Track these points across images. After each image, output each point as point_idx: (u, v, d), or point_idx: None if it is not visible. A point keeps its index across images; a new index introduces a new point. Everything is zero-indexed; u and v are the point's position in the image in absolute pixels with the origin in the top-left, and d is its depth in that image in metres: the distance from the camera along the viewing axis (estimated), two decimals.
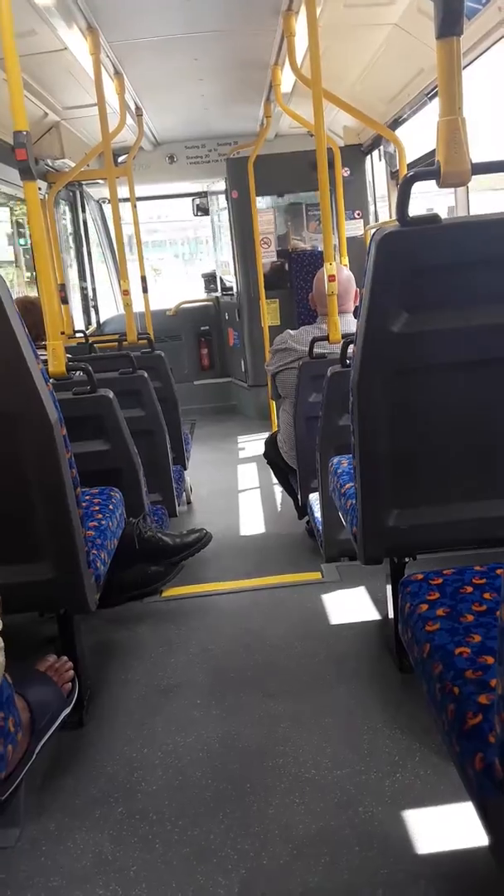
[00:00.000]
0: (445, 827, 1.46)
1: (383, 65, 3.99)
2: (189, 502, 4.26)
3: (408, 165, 4.16)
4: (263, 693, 1.98)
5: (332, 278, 2.90)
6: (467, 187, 3.63)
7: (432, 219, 1.50)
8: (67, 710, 1.70)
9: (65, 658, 1.79)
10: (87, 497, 2.19)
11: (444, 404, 1.67)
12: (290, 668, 2.10)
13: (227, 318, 6.86)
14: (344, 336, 2.77)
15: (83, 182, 6.24)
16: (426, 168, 1.46)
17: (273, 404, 5.07)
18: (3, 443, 1.54)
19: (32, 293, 5.48)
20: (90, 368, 2.40)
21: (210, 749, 1.78)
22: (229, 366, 7.01)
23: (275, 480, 3.71)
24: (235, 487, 4.56)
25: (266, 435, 3.90)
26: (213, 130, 6.18)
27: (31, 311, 3.08)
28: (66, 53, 3.56)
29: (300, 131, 5.72)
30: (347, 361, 2.41)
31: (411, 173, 1.47)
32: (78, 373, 2.58)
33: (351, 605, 2.42)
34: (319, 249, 5.96)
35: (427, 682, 1.14)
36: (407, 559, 1.93)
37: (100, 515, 2.08)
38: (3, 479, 1.58)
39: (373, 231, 5.65)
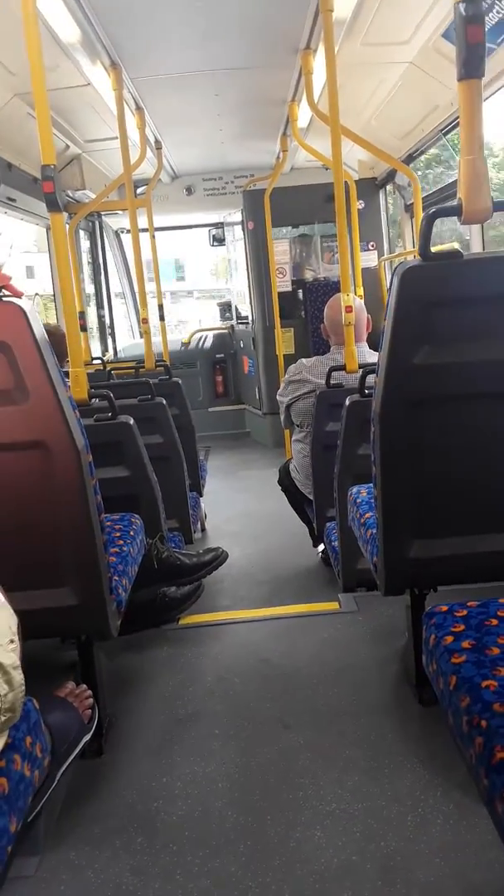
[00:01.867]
0: (470, 864, 1.44)
1: (399, 101, 4.08)
2: (203, 529, 4.27)
3: (422, 199, 4.22)
4: (282, 724, 1.97)
5: (349, 309, 2.93)
6: (482, 225, 3.67)
7: (454, 254, 1.53)
8: (87, 737, 1.70)
9: (84, 686, 1.79)
10: (109, 523, 2.20)
11: (465, 436, 1.69)
12: (308, 698, 2.09)
13: (241, 346, 6.93)
14: (360, 366, 2.80)
15: (102, 213, 6.36)
16: (448, 205, 1.49)
17: (287, 432, 5.10)
18: (32, 469, 1.56)
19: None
20: (111, 395, 2.43)
21: (230, 779, 1.76)
22: (244, 393, 7.06)
23: (289, 508, 3.72)
24: (249, 514, 4.57)
25: (280, 462, 3.92)
26: (230, 163, 6.31)
27: (54, 337, 3.13)
28: (90, 89, 3.67)
29: (315, 164, 5.82)
30: (366, 391, 2.43)
31: (433, 210, 1.50)
32: (96, 399, 2.61)
33: (369, 636, 2.41)
34: (333, 280, 6.03)
35: (453, 715, 1.14)
36: (428, 591, 1.92)
37: (121, 542, 2.09)
38: (31, 505, 1.60)
39: (386, 262, 5.72)
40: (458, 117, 3.60)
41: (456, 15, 1.35)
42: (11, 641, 1.13)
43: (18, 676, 1.12)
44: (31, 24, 2.16)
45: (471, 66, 1.37)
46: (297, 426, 3.37)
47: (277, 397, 3.48)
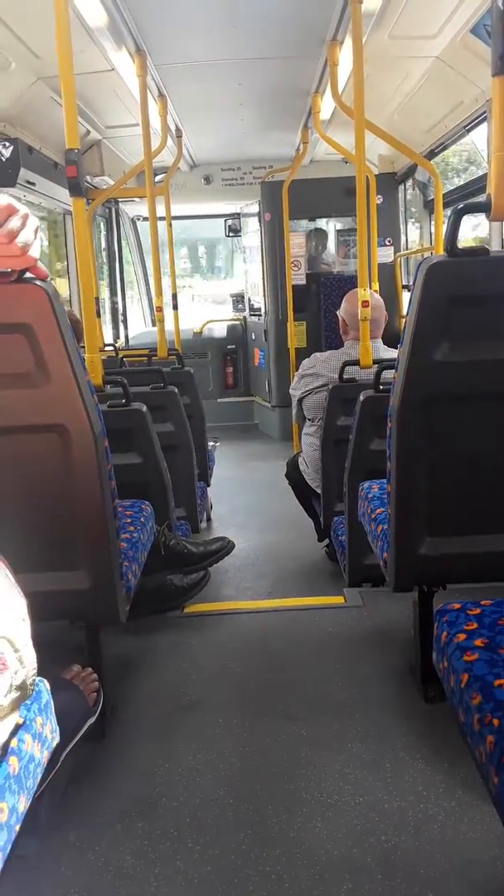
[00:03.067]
0: (471, 861, 1.44)
1: (423, 96, 4.04)
2: (209, 519, 4.27)
3: (443, 195, 4.19)
4: (285, 714, 1.98)
5: (365, 304, 2.92)
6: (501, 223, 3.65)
7: (481, 250, 1.52)
8: (92, 721, 1.70)
9: (90, 669, 1.80)
10: (120, 509, 2.20)
11: (483, 435, 1.68)
12: (311, 691, 2.09)
13: (253, 337, 6.91)
14: (376, 361, 2.79)
15: (120, 200, 6.34)
16: (477, 201, 1.48)
17: (296, 426, 5.09)
18: (51, 452, 1.56)
19: None
20: (126, 382, 2.43)
21: (231, 768, 1.77)
22: (254, 385, 7.05)
23: (295, 501, 3.71)
24: (255, 506, 4.57)
25: (288, 455, 3.91)
26: (250, 154, 6.28)
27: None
28: (113, 74, 3.65)
29: (335, 157, 5.79)
30: (381, 387, 2.42)
31: (462, 205, 1.49)
32: (109, 385, 2.61)
33: (374, 632, 2.41)
34: (347, 275, 6.00)
35: (464, 713, 1.14)
36: (437, 588, 1.92)
37: (132, 528, 2.10)
38: (48, 488, 1.60)
39: (402, 258, 5.69)
40: (483, 114, 3.55)
41: (493, 9, 1.33)
42: (23, 620, 1.13)
43: (31, 654, 1.12)
44: (61, 8, 2.15)
45: None
46: (310, 420, 3.36)
47: (290, 391, 3.47)
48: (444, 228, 2.23)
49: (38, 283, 1.42)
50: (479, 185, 4.14)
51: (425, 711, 1.93)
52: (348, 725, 1.91)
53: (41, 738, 1.14)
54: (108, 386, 2.65)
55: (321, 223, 6.36)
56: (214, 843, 1.54)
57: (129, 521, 2.14)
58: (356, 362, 2.90)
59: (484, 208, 1.44)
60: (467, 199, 4.24)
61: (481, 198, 1.48)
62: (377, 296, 3.26)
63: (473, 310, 1.56)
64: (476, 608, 1.32)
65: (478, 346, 1.59)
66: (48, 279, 1.44)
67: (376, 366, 2.54)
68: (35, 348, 1.46)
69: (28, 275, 1.40)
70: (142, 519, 2.18)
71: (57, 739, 1.24)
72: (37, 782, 1.14)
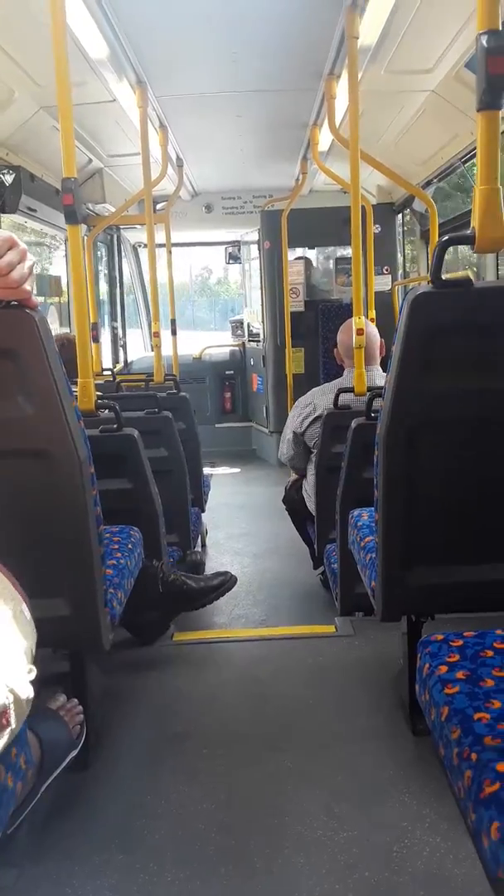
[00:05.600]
0: None
1: (419, 128, 4.11)
2: (204, 545, 4.26)
3: (438, 226, 4.24)
4: (271, 746, 1.95)
5: (360, 332, 2.94)
6: (496, 254, 3.69)
7: (465, 281, 1.53)
8: (74, 753, 1.68)
9: (75, 700, 1.77)
10: (108, 535, 2.20)
11: (469, 464, 1.68)
12: (299, 722, 2.06)
13: (251, 363, 6.95)
14: (369, 389, 2.80)
15: (121, 226, 6.42)
16: (461, 233, 1.50)
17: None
18: (34, 477, 1.56)
19: None
20: (118, 407, 2.43)
21: (215, 802, 1.74)
22: (252, 411, 7.08)
23: (292, 528, 3.70)
24: (251, 532, 4.56)
25: (285, 481, 3.91)
26: (250, 184, 6.37)
27: (67, 347, 3.15)
28: (115, 105, 3.72)
29: (334, 188, 5.88)
30: (373, 414, 2.43)
31: (446, 237, 1.51)
32: (104, 410, 2.61)
33: (364, 662, 2.38)
34: (346, 301, 6.05)
35: (444, 746, 1.12)
36: (425, 618, 1.90)
37: (119, 554, 2.09)
38: (30, 514, 1.59)
39: (399, 287, 5.75)
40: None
41: (478, 46, 1.36)
42: (31, 671, 1.12)
43: (28, 709, 1.11)
44: (59, 39, 2.20)
45: (491, 98, 1.38)
46: (312, 450, 3.36)
47: (284, 431, 3.47)
48: None
49: (27, 310, 1.43)
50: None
51: (413, 744, 1.90)
52: (335, 758, 1.88)
53: (14, 769, 1.13)
54: (105, 411, 2.66)
55: (320, 251, 6.43)
56: (195, 877, 1.51)
57: (116, 547, 2.13)
58: (351, 389, 2.92)
59: (468, 241, 1.46)
60: (462, 230, 4.28)
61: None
62: (370, 324, 3.28)
63: (459, 340, 1.57)
64: (459, 639, 1.30)
65: (464, 375, 1.59)
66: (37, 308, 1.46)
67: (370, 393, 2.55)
68: (20, 374, 1.47)
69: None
70: (129, 545, 2.17)
71: (31, 770, 1.23)
72: (9, 813, 1.12)
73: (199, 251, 9.35)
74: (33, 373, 1.46)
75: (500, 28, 1.37)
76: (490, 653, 1.26)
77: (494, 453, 1.67)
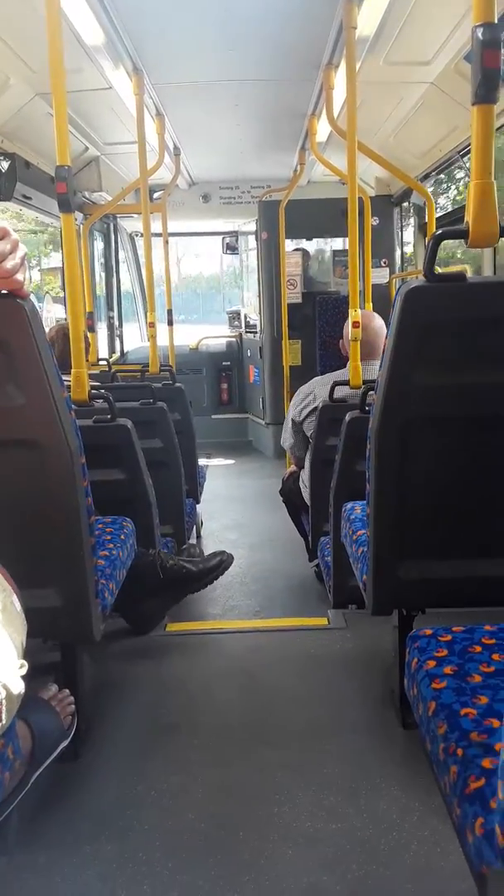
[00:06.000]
0: (441, 892, 1.42)
1: (418, 120, 4.09)
2: (199, 536, 4.26)
3: (436, 219, 4.22)
4: (262, 738, 1.95)
5: (356, 324, 2.93)
6: (494, 247, 3.68)
7: (458, 276, 1.52)
8: (65, 743, 1.69)
9: (67, 691, 1.78)
10: (100, 526, 2.19)
11: (460, 458, 1.68)
12: (290, 714, 2.07)
13: (248, 354, 6.93)
14: (366, 382, 2.80)
15: (118, 215, 6.39)
16: (455, 227, 1.49)
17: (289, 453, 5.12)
18: (24, 468, 1.55)
19: None
20: (111, 398, 2.43)
21: (205, 792, 1.75)
22: (248, 402, 7.06)
23: (287, 519, 3.71)
24: (247, 524, 4.56)
25: (282, 472, 3.91)
26: (248, 174, 6.33)
27: (66, 337, 3.14)
28: (111, 92, 3.69)
29: (332, 179, 5.84)
30: (367, 408, 2.42)
31: (440, 231, 1.50)
32: (99, 400, 2.61)
33: (356, 655, 2.39)
34: (344, 294, 6.03)
35: (431, 741, 1.13)
36: (416, 612, 1.91)
37: (111, 545, 2.09)
38: (21, 504, 1.59)
39: (397, 280, 5.73)
40: None
41: (473, 39, 1.35)
42: (22, 666, 1.12)
43: (18, 704, 1.11)
44: (53, 25, 2.18)
45: (485, 91, 1.37)
46: (311, 440, 3.35)
47: (286, 417, 3.48)
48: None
49: (18, 299, 1.42)
50: None
51: (403, 737, 1.91)
52: (325, 750, 1.89)
53: (2, 759, 1.13)
54: (99, 401, 2.65)
55: (318, 242, 6.41)
56: (183, 867, 1.52)
57: (108, 537, 2.13)
58: (347, 382, 2.91)
59: (462, 235, 1.45)
60: (460, 223, 4.26)
61: None
62: (378, 317, 3.25)
63: (450, 334, 1.56)
64: (447, 634, 1.31)
65: (454, 370, 1.59)
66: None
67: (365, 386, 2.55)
68: (11, 364, 1.46)
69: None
70: (122, 536, 2.17)
71: (19, 761, 1.23)
72: None
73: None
74: (24, 363, 1.46)
75: (496, 21, 1.35)
76: (478, 648, 1.27)
77: (486, 448, 1.67)
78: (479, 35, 1.33)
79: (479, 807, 0.94)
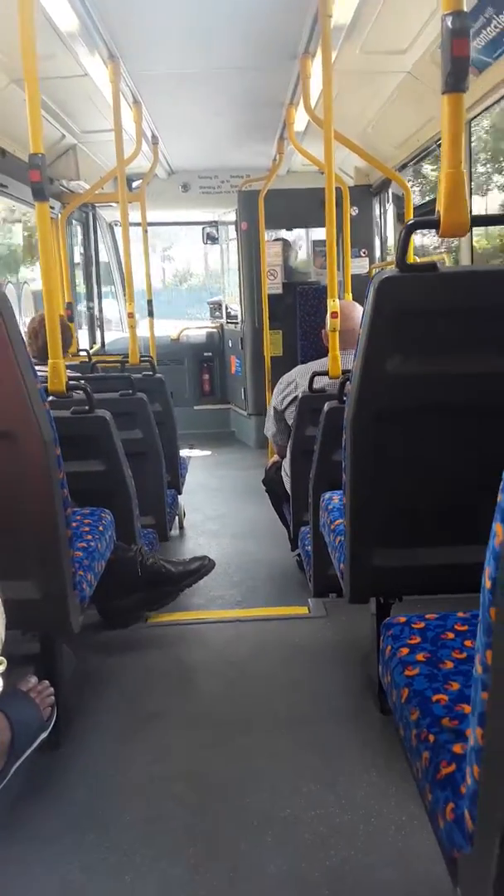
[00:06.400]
0: (419, 877, 1.44)
1: (395, 110, 4.08)
2: (182, 527, 4.26)
3: (414, 209, 4.23)
4: (242, 727, 1.97)
5: (334, 315, 2.93)
6: (471, 236, 3.69)
7: (430, 266, 1.53)
8: (45, 735, 1.68)
9: (46, 682, 1.78)
10: (78, 517, 2.19)
11: (433, 447, 1.69)
12: (270, 702, 2.08)
13: (230, 345, 6.92)
14: (345, 372, 2.80)
15: (96, 204, 6.33)
16: (427, 217, 1.49)
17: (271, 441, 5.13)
18: None
19: None
20: (89, 389, 2.41)
21: (185, 781, 1.76)
22: (230, 393, 7.06)
23: (270, 510, 3.72)
24: (229, 515, 4.56)
25: (264, 463, 3.91)
26: (227, 163, 6.30)
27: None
28: (87, 79, 3.65)
29: (312, 168, 5.82)
30: (344, 398, 2.43)
31: (412, 221, 1.51)
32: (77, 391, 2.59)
33: (335, 643, 2.41)
34: (325, 284, 6.03)
35: (404, 728, 1.14)
36: (393, 600, 1.92)
37: (89, 537, 2.08)
38: None
39: (377, 270, 5.74)
40: None
41: (443, 28, 1.35)
42: (1, 663, 1.12)
43: None
44: (25, 9, 2.15)
45: (455, 80, 1.37)
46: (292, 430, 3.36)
47: (269, 406, 3.48)
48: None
49: None
50: None
51: (381, 724, 1.93)
52: (304, 738, 1.90)
53: None
54: (79, 392, 2.64)
55: (298, 233, 6.39)
56: (162, 856, 1.52)
57: (86, 529, 2.13)
58: (326, 373, 2.91)
59: (433, 224, 1.46)
60: None
61: None
62: (360, 308, 3.25)
63: (423, 324, 1.57)
64: (420, 622, 1.32)
65: (427, 359, 1.60)
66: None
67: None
68: None
69: None
70: (100, 528, 2.16)
71: None
72: None
73: None
74: None
75: (465, 10, 1.36)
76: (451, 635, 1.28)
77: (459, 437, 1.69)
78: (449, 24, 1.34)
79: (450, 792, 0.95)
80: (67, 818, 1.64)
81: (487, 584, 0.73)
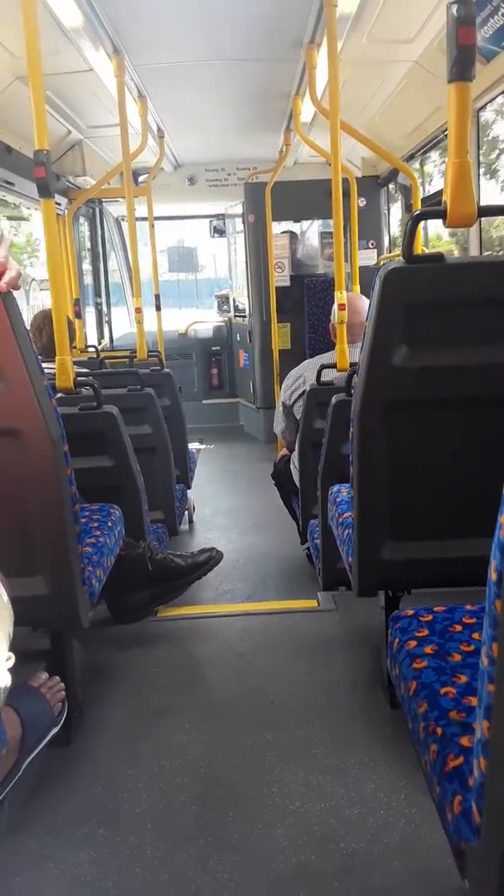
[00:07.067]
0: (428, 869, 1.44)
1: (402, 100, 4.05)
2: (191, 521, 4.26)
3: (422, 200, 4.20)
4: (253, 721, 1.97)
5: (342, 307, 2.92)
6: (479, 226, 3.66)
7: (437, 257, 1.52)
8: (56, 730, 1.69)
9: (57, 678, 1.79)
10: (87, 513, 2.19)
11: (441, 439, 1.68)
12: (280, 696, 2.09)
13: (238, 339, 6.91)
14: (352, 364, 2.79)
15: (103, 199, 6.33)
16: (434, 208, 1.48)
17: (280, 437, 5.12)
18: (6, 457, 1.55)
19: None
20: (97, 385, 2.42)
21: (196, 775, 1.76)
22: (238, 387, 7.05)
23: (279, 503, 3.71)
24: (238, 509, 4.56)
25: (272, 457, 3.91)
26: (234, 155, 6.27)
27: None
28: (92, 74, 3.64)
29: (319, 160, 5.80)
30: (352, 390, 2.42)
31: (418, 212, 1.50)
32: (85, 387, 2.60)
33: (345, 636, 2.41)
34: (332, 276, 6.01)
35: (412, 720, 1.14)
36: (402, 593, 1.92)
37: (98, 532, 2.09)
38: (4, 493, 1.59)
39: (385, 261, 5.71)
40: None
41: (448, 16, 1.33)
42: (9, 658, 1.12)
43: (4, 697, 1.11)
44: (29, 7, 2.14)
45: (461, 69, 1.36)
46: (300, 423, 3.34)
47: (278, 402, 3.47)
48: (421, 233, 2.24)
49: None
50: None
51: (391, 717, 1.93)
52: (314, 731, 1.91)
53: None
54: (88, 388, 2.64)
55: (305, 224, 6.36)
56: (173, 850, 1.53)
57: (95, 525, 2.13)
58: (334, 365, 2.91)
59: (440, 215, 1.44)
60: None
61: None
62: (367, 300, 3.24)
63: (430, 316, 1.56)
64: (428, 615, 1.32)
65: (434, 352, 1.59)
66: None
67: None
68: None
69: None
70: (109, 523, 2.17)
71: (5, 749, 1.24)
72: None
73: None
74: (2, 352, 1.45)
75: None
76: (459, 627, 1.28)
77: (466, 429, 1.68)
78: (454, 12, 1.32)
79: (458, 785, 0.95)
80: (79, 812, 1.65)
81: (493, 576, 0.73)
